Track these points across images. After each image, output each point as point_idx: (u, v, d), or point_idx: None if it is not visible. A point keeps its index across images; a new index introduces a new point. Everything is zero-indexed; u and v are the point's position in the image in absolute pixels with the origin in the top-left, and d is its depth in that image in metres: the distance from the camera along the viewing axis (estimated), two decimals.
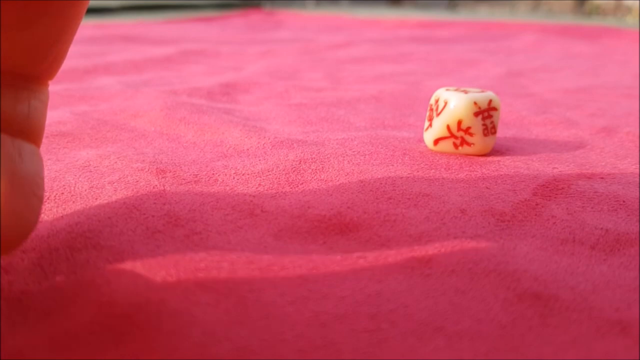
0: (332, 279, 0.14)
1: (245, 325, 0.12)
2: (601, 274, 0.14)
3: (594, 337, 0.12)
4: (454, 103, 0.22)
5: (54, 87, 0.36)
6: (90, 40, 0.62)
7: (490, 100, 0.23)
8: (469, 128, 0.22)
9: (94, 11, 1.06)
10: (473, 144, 0.23)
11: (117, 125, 0.27)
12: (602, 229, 0.16)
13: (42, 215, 0.17)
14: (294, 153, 0.22)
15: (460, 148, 0.23)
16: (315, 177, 0.20)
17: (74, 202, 0.18)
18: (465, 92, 0.23)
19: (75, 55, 0.50)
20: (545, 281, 0.14)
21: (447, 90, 0.23)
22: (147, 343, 0.11)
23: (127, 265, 0.14)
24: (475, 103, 0.22)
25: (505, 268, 0.14)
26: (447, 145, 0.23)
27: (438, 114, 0.23)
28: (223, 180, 0.20)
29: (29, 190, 0.12)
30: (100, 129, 0.27)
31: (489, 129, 0.23)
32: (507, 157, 0.23)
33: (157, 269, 0.14)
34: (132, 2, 1.15)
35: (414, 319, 0.12)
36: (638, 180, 0.20)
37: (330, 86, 0.39)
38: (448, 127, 0.23)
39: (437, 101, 0.23)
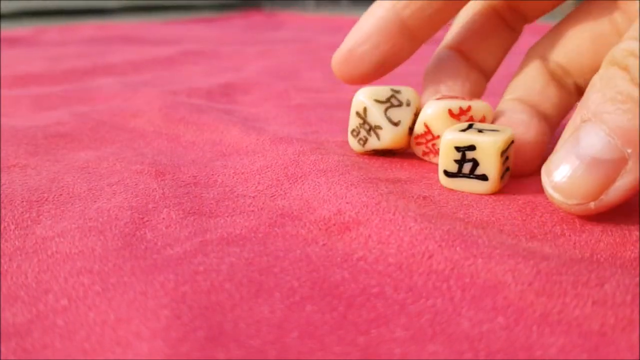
0: (331, 281, 0.14)
1: (244, 327, 0.12)
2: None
3: (596, 335, 0.12)
4: None
5: (53, 87, 0.36)
6: (90, 41, 0.62)
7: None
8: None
9: (93, 12, 1.06)
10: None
11: (116, 126, 0.27)
12: (602, 231, 0.16)
13: (41, 216, 0.17)
14: (292, 148, 0.22)
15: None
16: (315, 168, 0.20)
17: (72, 203, 0.18)
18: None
19: (74, 56, 0.50)
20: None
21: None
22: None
23: None
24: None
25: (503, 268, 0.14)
26: None
27: None
28: (222, 181, 0.20)
29: None
30: (99, 130, 0.26)
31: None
32: None
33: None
34: (132, 3, 1.15)
35: (414, 320, 0.12)
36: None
37: (330, 87, 0.39)
38: None
39: None
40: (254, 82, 0.39)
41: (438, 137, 0.20)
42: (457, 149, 0.18)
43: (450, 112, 0.20)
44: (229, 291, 0.13)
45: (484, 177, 0.18)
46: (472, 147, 0.18)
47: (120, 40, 0.63)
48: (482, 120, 0.20)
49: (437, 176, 0.20)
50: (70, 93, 0.34)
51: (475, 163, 0.18)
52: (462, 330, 0.12)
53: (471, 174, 0.19)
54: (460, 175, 0.19)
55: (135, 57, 0.49)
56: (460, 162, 0.19)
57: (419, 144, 0.21)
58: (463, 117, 0.20)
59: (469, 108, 0.20)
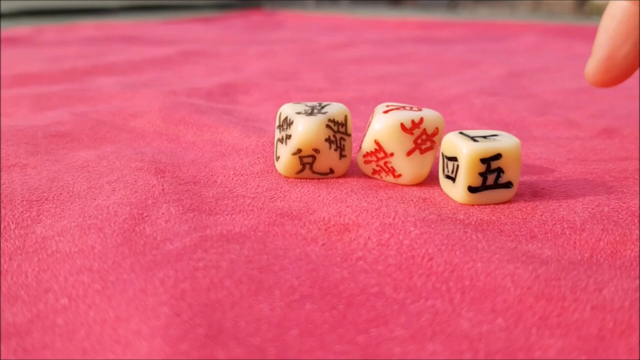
0: (331, 280, 0.14)
1: (244, 324, 0.12)
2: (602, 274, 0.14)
3: (596, 337, 0.12)
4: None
5: (53, 87, 0.36)
6: (90, 41, 0.62)
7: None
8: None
9: (93, 11, 1.06)
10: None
11: (116, 126, 0.27)
12: (602, 230, 0.16)
13: (41, 216, 0.17)
14: None
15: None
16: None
17: (72, 202, 0.18)
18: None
19: (74, 56, 0.50)
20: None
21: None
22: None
23: None
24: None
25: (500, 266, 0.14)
26: None
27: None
28: (222, 182, 0.20)
29: None
30: (99, 130, 0.26)
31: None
32: None
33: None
34: (132, 2, 1.15)
35: (413, 320, 0.12)
36: (638, 182, 0.20)
37: (330, 87, 0.39)
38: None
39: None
40: (254, 82, 0.39)
41: (392, 155, 0.19)
42: (483, 160, 0.17)
43: (402, 126, 0.18)
44: (228, 289, 0.13)
45: (508, 185, 0.18)
46: (497, 156, 0.17)
47: (120, 40, 0.63)
48: (435, 132, 0.19)
49: (435, 174, 0.20)
50: (70, 93, 0.34)
51: (499, 172, 0.17)
52: (461, 330, 0.12)
53: (495, 184, 0.18)
54: (484, 188, 0.18)
55: (135, 56, 0.49)
56: (485, 174, 0.17)
57: (368, 162, 0.19)
58: (416, 131, 0.18)
59: (421, 120, 0.18)
